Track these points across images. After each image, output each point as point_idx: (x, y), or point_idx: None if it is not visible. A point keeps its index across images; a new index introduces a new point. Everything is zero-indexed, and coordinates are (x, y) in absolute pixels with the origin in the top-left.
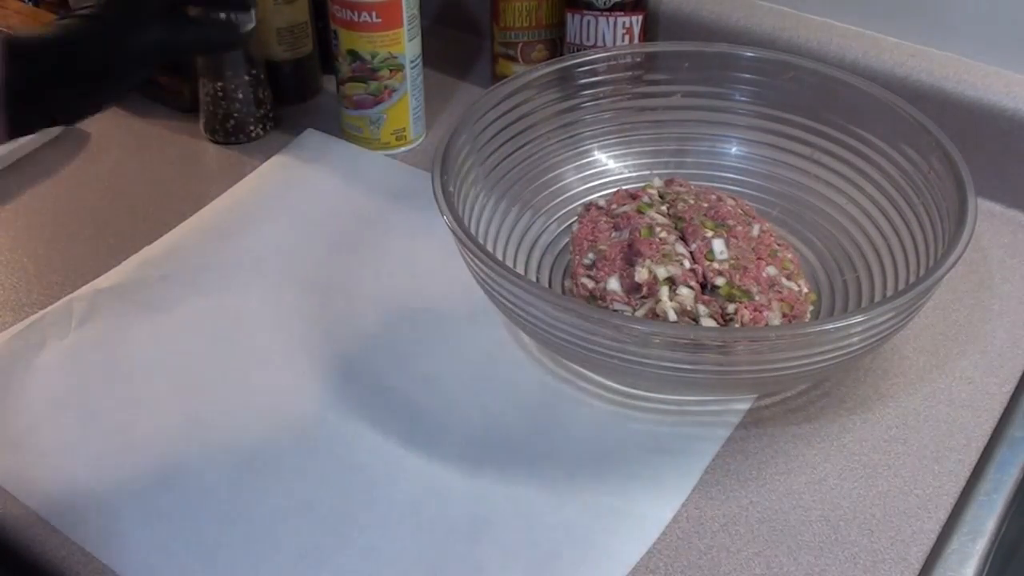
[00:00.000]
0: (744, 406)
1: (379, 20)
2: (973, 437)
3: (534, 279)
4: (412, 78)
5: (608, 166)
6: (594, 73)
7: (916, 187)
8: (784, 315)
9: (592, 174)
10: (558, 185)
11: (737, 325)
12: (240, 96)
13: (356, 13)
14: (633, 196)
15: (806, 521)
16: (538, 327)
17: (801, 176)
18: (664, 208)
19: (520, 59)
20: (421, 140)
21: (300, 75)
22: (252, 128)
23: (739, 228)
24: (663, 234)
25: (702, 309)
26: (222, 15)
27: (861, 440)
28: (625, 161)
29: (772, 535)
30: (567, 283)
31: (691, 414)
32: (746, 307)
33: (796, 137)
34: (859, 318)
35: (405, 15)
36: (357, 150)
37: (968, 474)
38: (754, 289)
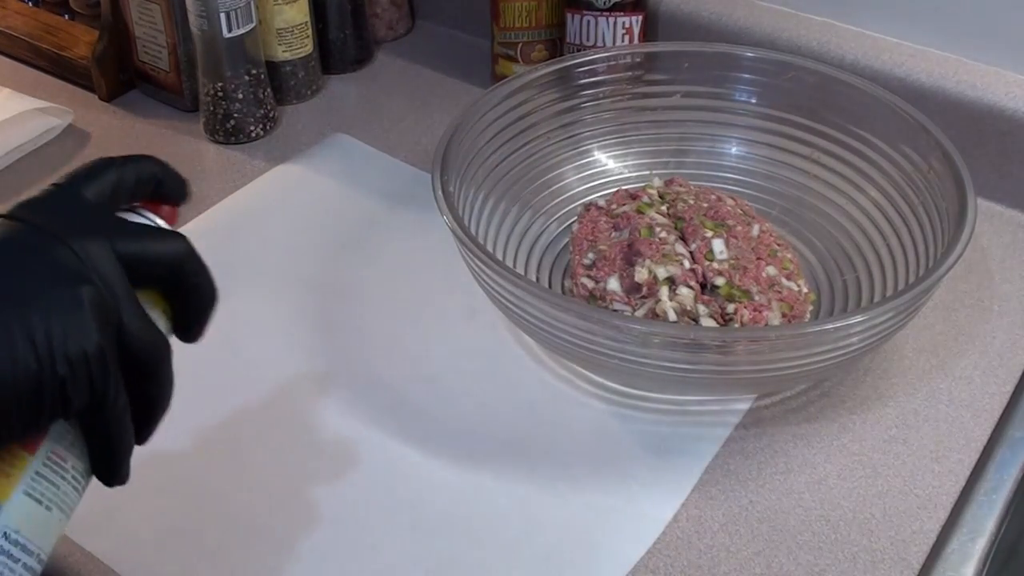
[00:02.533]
0: (744, 406)
1: None
2: (973, 437)
3: (534, 279)
4: None
5: (608, 166)
6: (594, 73)
7: (916, 187)
8: (784, 315)
9: (592, 174)
10: (558, 185)
11: (737, 325)
12: (240, 96)
13: None
14: (633, 196)
15: (806, 521)
16: (538, 327)
17: (801, 176)
18: (664, 208)
19: (520, 59)
20: None
21: (300, 75)
22: (252, 128)
23: (739, 228)
24: (663, 234)
25: (702, 309)
26: None
27: (861, 440)
28: (625, 161)
29: (772, 535)
30: (567, 283)
31: (691, 414)
32: (746, 307)
33: (796, 137)
34: (859, 318)
35: None
36: (358, 150)
37: (968, 474)
38: (754, 289)
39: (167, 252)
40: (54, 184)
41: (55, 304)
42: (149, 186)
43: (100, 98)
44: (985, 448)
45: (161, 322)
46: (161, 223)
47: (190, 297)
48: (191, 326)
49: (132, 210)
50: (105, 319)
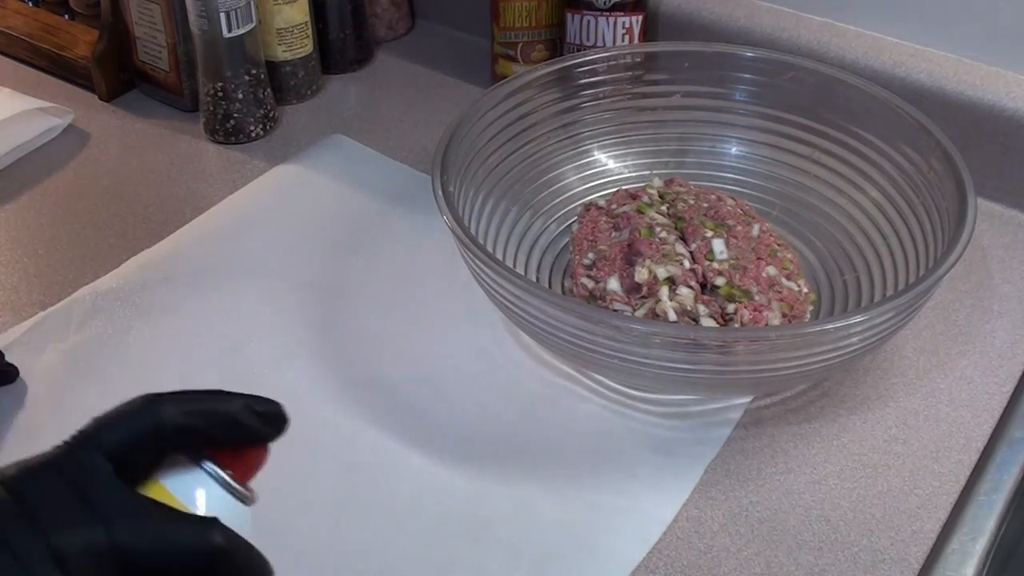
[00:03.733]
0: (744, 406)
1: None
2: (973, 437)
3: (534, 279)
4: None
5: (608, 166)
6: (594, 73)
7: (916, 187)
8: (784, 315)
9: (592, 174)
10: (558, 185)
11: (737, 325)
12: (240, 96)
13: None
14: (633, 196)
15: (806, 521)
16: (538, 327)
17: (801, 176)
18: (664, 208)
19: (520, 59)
20: None
21: (300, 75)
22: (252, 128)
23: (739, 228)
24: (663, 234)
25: (702, 309)
26: None
27: (861, 440)
28: (625, 161)
29: (772, 535)
30: (567, 283)
31: (691, 414)
32: (746, 307)
33: (796, 137)
34: (859, 318)
35: None
36: (358, 151)
37: (968, 474)
38: (754, 289)
39: (184, 550)
40: (76, 434)
41: None
42: (215, 431)
43: (100, 98)
44: (985, 448)
45: None
46: (228, 480)
47: None
48: None
49: (197, 463)
50: None
